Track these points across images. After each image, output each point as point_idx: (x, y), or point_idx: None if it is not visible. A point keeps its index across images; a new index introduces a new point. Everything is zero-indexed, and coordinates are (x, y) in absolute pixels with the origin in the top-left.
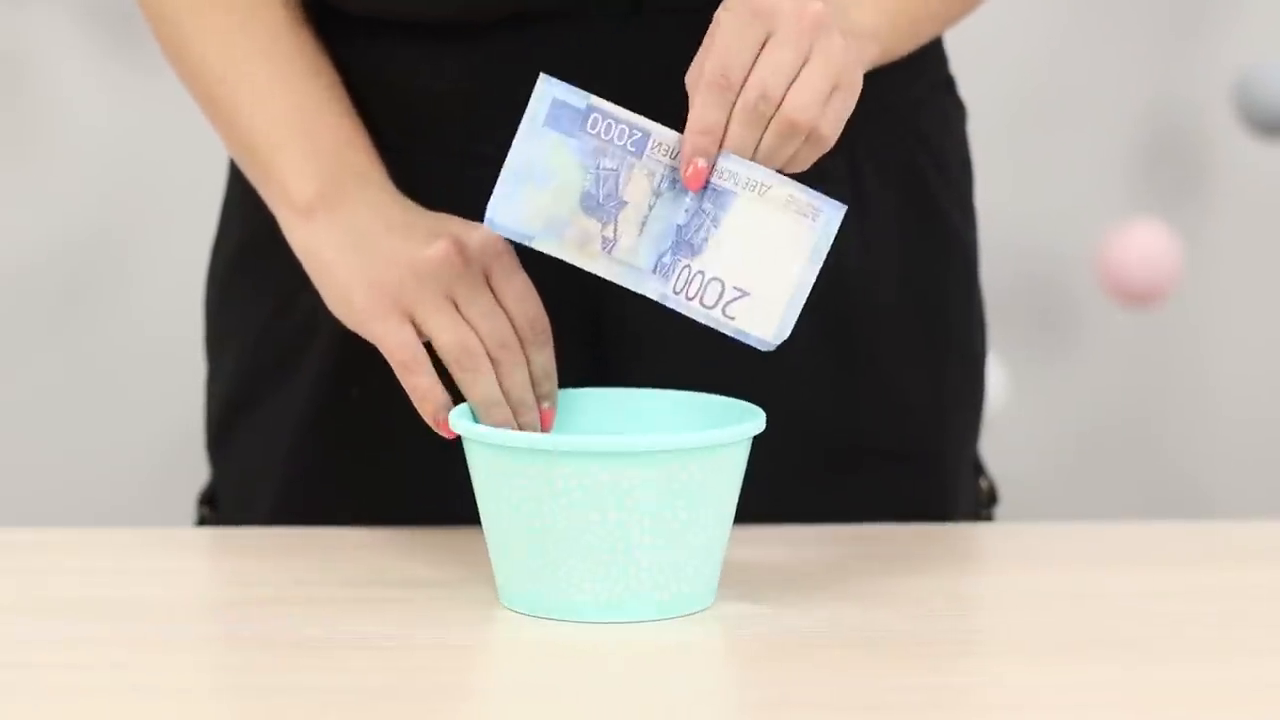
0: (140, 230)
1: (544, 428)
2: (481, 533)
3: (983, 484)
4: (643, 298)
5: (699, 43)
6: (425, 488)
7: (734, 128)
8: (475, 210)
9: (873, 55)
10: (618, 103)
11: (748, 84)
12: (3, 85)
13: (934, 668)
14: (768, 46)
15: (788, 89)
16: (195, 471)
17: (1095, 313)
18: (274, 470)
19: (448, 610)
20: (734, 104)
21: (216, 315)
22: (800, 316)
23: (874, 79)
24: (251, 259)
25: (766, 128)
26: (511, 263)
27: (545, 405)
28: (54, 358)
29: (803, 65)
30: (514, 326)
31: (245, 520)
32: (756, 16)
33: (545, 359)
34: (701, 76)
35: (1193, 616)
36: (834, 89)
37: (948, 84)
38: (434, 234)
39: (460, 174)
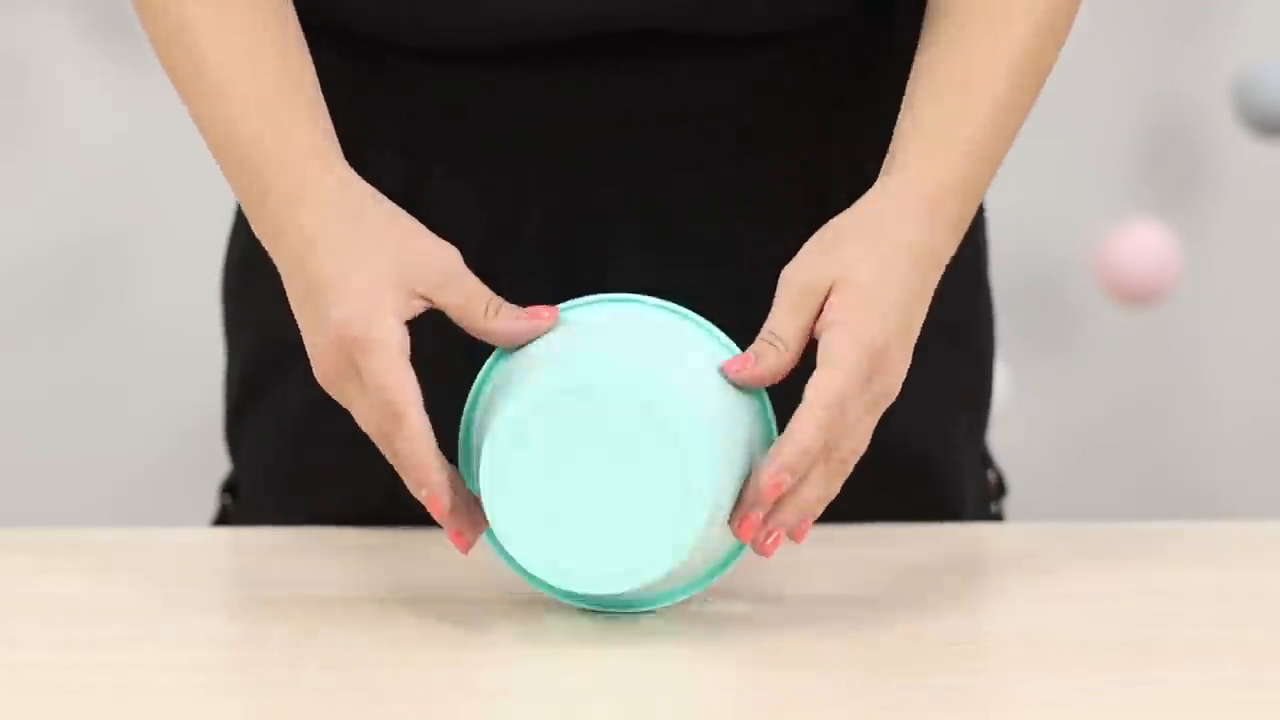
0: (140, 231)
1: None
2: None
3: (990, 476)
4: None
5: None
6: None
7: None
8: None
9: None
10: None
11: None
12: (3, 86)
13: (934, 668)
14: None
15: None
16: (194, 472)
17: (1095, 313)
18: (285, 459)
19: (448, 610)
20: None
21: (232, 302)
22: None
23: (879, 78)
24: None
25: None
26: (368, 353)
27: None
28: (53, 358)
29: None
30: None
31: (264, 509)
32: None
33: (400, 441)
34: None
35: (1193, 616)
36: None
37: None
38: (323, 318)
39: (474, 193)
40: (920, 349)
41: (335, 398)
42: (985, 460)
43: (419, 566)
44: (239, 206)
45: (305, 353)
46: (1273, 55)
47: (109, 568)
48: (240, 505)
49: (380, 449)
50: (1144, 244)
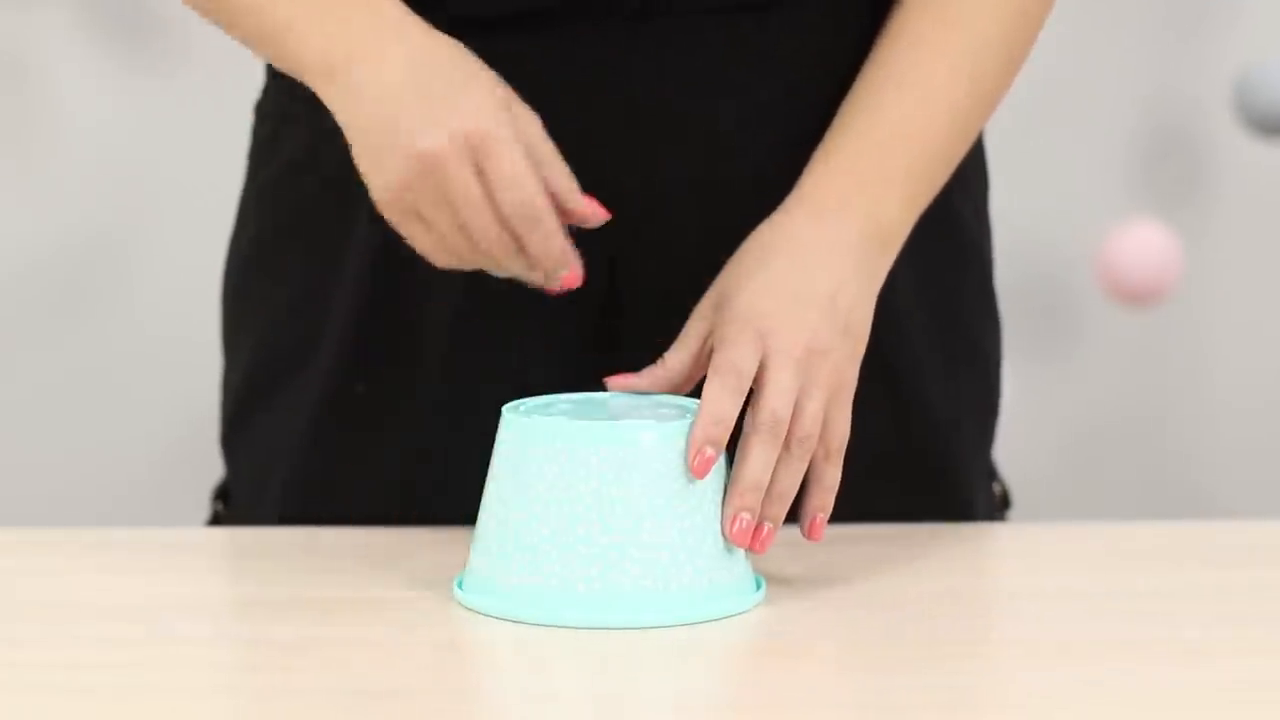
0: (140, 230)
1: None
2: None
3: (995, 489)
4: (662, 293)
5: (700, 51)
6: (430, 486)
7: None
8: None
9: (900, 242)
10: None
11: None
12: (3, 85)
13: (935, 668)
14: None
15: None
16: (195, 471)
17: (1095, 312)
18: (284, 465)
19: (449, 610)
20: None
21: (233, 307)
22: None
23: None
24: (268, 253)
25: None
26: (501, 148)
27: (561, 272)
28: (54, 357)
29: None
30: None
31: (257, 515)
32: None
33: (539, 239)
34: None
35: (1193, 616)
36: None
37: None
38: (449, 113)
39: None
40: (929, 360)
41: (412, 216)
42: (991, 474)
43: (418, 567)
44: (238, 216)
45: (314, 354)
46: (1273, 55)
47: (109, 567)
48: (233, 511)
49: (490, 256)
50: (1145, 244)
